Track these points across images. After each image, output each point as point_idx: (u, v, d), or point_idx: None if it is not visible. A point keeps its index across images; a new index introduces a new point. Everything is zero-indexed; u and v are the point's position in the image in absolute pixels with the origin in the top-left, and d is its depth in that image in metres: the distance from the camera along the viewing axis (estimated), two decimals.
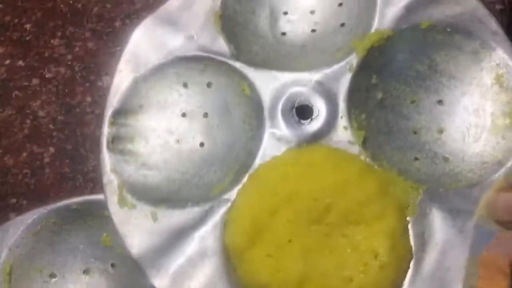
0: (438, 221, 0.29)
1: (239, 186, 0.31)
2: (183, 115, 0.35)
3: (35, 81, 0.39)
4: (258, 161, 0.31)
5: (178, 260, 0.30)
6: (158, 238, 0.31)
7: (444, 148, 0.32)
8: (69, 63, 0.40)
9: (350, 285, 0.27)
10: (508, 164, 0.29)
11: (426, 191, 0.29)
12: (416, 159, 0.31)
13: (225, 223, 0.30)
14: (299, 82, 0.32)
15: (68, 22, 0.40)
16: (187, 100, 0.35)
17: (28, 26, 0.40)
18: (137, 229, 0.31)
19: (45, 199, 0.35)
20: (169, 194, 0.33)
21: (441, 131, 0.32)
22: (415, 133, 0.32)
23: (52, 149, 0.38)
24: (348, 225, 0.28)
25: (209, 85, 0.35)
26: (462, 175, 0.30)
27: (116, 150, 0.34)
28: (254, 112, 0.33)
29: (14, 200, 0.36)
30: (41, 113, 0.39)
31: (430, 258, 0.28)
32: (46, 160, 0.38)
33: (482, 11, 0.31)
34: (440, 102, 0.32)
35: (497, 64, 0.31)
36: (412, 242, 0.29)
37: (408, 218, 0.29)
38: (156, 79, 0.35)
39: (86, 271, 0.33)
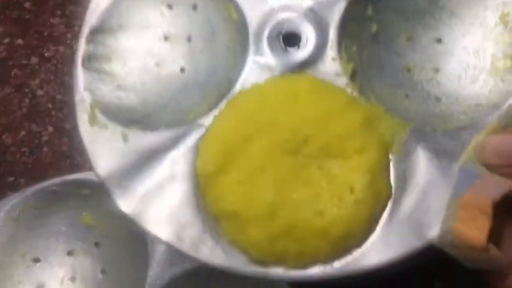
0: (422, 161, 0.27)
1: (216, 112, 0.29)
2: (165, 38, 0.33)
3: (34, 59, 0.39)
4: (239, 88, 0.30)
5: (146, 183, 0.29)
6: (127, 159, 0.29)
7: (438, 88, 0.30)
8: (68, 42, 0.40)
9: (322, 218, 0.26)
10: (504, 107, 0.27)
11: (413, 129, 0.27)
12: (406, 97, 0.29)
13: (198, 148, 0.28)
14: (289, 8, 0.30)
15: (68, 1, 0.40)
16: (170, 22, 0.33)
17: (27, 4, 0.39)
18: (106, 149, 0.30)
19: (43, 177, 0.34)
20: (142, 117, 0.31)
21: (436, 70, 0.30)
22: (408, 71, 0.30)
23: (50, 128, 0.38)
24: (326, 158, 0.27)
25: (194, 7, 0.32)
26: (453, 117, 0.28)
27: (92, 68, 0.32)
28: (239, 38, 0.31)
29: (12, 179, 0.36)
30: (40, 92, 0.39)
31: (410, 199, 0.26)
32: (45, 138, 0.37)
33: None
34: (438, 40, 0.30)
35: (503, 2, 0.29)
36: (392, 181, 0.27)
37: (391, 156, 0.27)
38: None
39: (70, 253, 0.33)
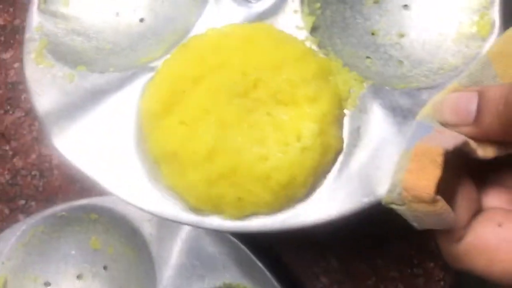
0: (377, 117, 0.25)
1: (168, 56, 0.28)
2: None
3: None
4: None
5: (86, 124, 0.27)
6: (69, 99, 0.28)
7: (400, 52, 0.28)
8: None
9: (265, 163, 0.24)
10: (465, 70, 0.26)
11: (371, 86, 0.26)
12: (368, 58, 0.28)
13: (144, 88, 0.27)
14: None
15: None
16: None
17: None
18: (49, 88, 0.28)
19: (54, 200, 0.35)
20: (92, 60, 0.29)
21: (401, 35, 0.29)
22: (372, 34, 0.29)
23: None
24: (275, 105, 0.25)
25: None
26: (414, 78, 0.27)
27: (48, 11, 0.31)
28: None
29: (23, 202, 0.37)
30: None
31: (362, 155, 0.25)
32: (55, 162, 0.37)
33: None
34: (405, 6, 0.29)
35: None
36: (345, 135, 0.26)
37: (346, 111, 0.26)
38: None
39: (79, 276, 0.33)
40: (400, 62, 0.28)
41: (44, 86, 0.28)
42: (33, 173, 0.37)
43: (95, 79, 0.28)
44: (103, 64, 0.29)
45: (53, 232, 0.33)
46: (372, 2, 0.29)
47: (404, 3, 0.29)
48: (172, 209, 0.25)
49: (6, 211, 0.36)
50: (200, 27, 0.29)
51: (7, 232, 0.33)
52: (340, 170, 0.25)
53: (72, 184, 0.37)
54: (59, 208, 0.33)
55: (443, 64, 0.27)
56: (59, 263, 0.33)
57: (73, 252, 0.33)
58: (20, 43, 0.32)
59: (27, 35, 0.30)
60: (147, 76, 0.28)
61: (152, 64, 0.28)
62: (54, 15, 0.31)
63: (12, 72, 0.37)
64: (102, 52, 0.30)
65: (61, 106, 0.28)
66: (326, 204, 0.24)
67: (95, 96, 0.28)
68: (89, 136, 0.27)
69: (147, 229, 0.31)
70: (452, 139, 0.22)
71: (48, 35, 0.30)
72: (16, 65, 0.39)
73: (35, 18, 0.30)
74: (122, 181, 0.26)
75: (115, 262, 0.33)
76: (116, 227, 0.32)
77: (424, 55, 0.28)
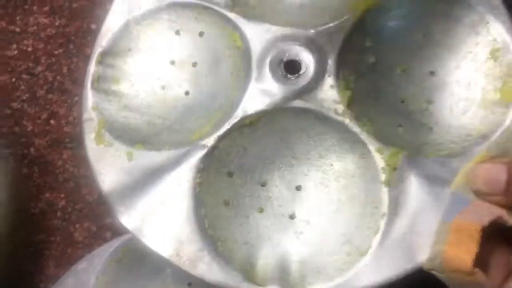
0: (414, 186, 0.28)
1: (219, 133, 0.30)
2: (172, 62, 0.34)
3: None
4: (240, 112, 0.31)
5: (148, 200, 0.30)
6: (130, 177, 0.31)
7: (430, 118, 0.31)
8: None
9: None
10: (492, 138, 0.28)
11: (405, 156, 0.29)
12: (400, 126, 0.31)
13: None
14: (291, 37, 0.32)
15: None
16: (177, 48, 0.34)
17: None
18: (111, 167, 0.31)
19: None
20: (147, 136, 0.32)
21: (429, 102, 0.31)
22: (402, 101, 0.31)
23: None
24: None
25: (201, 34, 0.34)
26: (444, 145, 0.30)
27: (100, 89, 0.33)
28: (243, 64, 0.32)
29: (110, 220, 0.37)
30: None
31: (402, 223, 0.28)
32: None
33: None
34: (432, 73, 0.32)
35: (494, 39, 0.30)
36: (386, 205, 0.28)
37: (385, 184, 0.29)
38: (148, 23, 0.34)
39: None
40: (430, 128, 0.30)
41: (106, 165, 0.31)
42: None
43: (152, 157, 0.31)
44: (157, 141, 0.32)
45: (144, 249, 0.32)
46: (400, 71, 0.32)
47: (431, 70, 0.32)
48: (233, 279, 0.28)
49: (94, 228, 0.38)
50: (243, 103, 0.31)
51: (101, 249, 0.35)
52: (383, 238, 0.27)
53: None
54: None
55: (471, 130, 0.30)
56: (148, 278, 0.34)
57: (165, 269, 0.33)
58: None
59: (85, 115, 0.33)
60: (201, 153, 0.30)
61: (203, 142, 0.30)
62: (106, 93, 0.33)
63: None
64: (154, 127, 0.33)
65: (123, 185, 0.30)
66: (372, 271, 0.27)
67: (154, 173, 0.30)
68: (151, 212, 0.29)
69: None
70: (487, 214, 0.25)
71: (103, 113, 0.33)
72: None
73: (89, 97, 0.33)
74: (183, 253, 0.29)
75: (200, 280, 0.30)
76: None
77: (452, 121, 0.30)
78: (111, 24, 0.34)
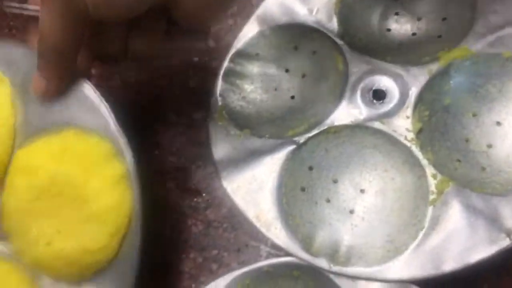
0: (455, 211, 0.34)
1: (309, 134, 0.39)
2: (287, 70, 0.43)
3: None
4: (329, 122, 0.39)
5: (245, 173, 0.39)
6: (236, 153, 0.40)
7: (486, 160, 0.37)
8: None
9: None
10: None
11: (454, 186, 0.35)
12: (458, 160, 0.37)
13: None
14: (384, 71, 0.39)
15: None
16: (293, 59, 0.43)
17: None
18: (223, 142, 0.41)
19: (243, 252, 0.37)
20: (254, 124, 0.41)
21: (490, 146, 0.37)
22: (466, 141, 0.37)
23: None
24: None
25: (314, 52, 0.42)
26: (490, 185, 0.35)
27: (228, 81, 0.43)
28: (341, 84, 0.40)
29: (215, 252, 0.39)
30: None
31: (437, 237, 0.34)
32: (244, 216, 0.38)
33: None
34: (498, 123, 0.37)
35: None
36: (427, 220, 0.35)
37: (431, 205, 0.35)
38: (275, 36, 0.43)
39: None
40: (483, 168, 0.36)
41: (220, 140, 0.41)
42: (224, 225, 0.40)
43: (254, 141, 0.40)
44: (261, 129, 0.41)
45: (257, 286, 0.35)
46: (471, 115, 0.38)
47: (498, 120, 0.37)
48: (294, 247, 0.36)
49: (199, 259, 0.39)
50: (333, 116, 0.39)
51: (215, 284, 0.36)
52: (418, 245, 0.34)
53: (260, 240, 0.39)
54: (266, 263, 0.35)
55: None
56: None
57: None
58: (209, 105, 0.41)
59: (213, 99, 0.43)
60: (292, 147, 0.39)
61: (295, 138, 0.39)
62: (232, 84, 0.43)
63: (203, 132, 0.41)
64: (261, 119, 0.42)
65: (230, 156, 0.40)
66: (404, 268, 0.34)
67: (253, 154, 0.40)
68: (245, 182, 0.39)
69: None
70: None
71: (226, 100, 0.42)
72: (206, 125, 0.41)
73: (219, 86, 0.43)
74: (262, 218, 0.38)
75: None
76: (317, 286, 0.34)
77: (504, 166, 0.36)
78: (247, 32, 0.44)
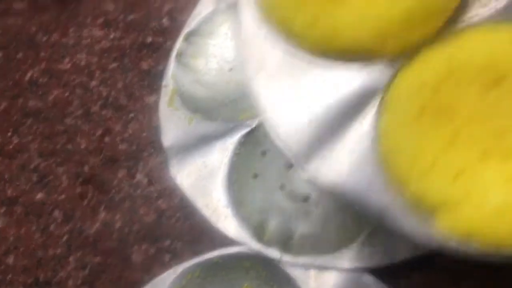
0: None
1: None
2: None
3: None
4: None
5: (196, 160, 0.37)
6: (187, 139, 0.38)
7: None
8: None
9: None
10: None
11: None
12: None
13: None
14: None
15: None
16: None
17: None
18: (174, 128, 0.39)
19: (199, 242, 0.36)
20: (207, 108, 0.39)
21: None
22: None
23: None
24: None
25: None
26: None
27: (181, 62, 0.41)
28: None
29: (168, 242, 0.37)
30: None
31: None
32: (198, 205, 0.37)
33: None
34: None
35: None
36: None
37: None
38: (230, 14, 0.41)
39: None
40: None
41: (171, 125, 0.39)
42: (177, 215, 0.37)
43: (206, 125, 0.38)
44: (213, 113, 0.39)
45: (208, 277, 0.34)
46: None
47: None
48: (245, 236, 0.35)
49: (152, 250, 0.37)
50: None
51: (165, 276, 0.35)
52: (372, 233, 0.33)
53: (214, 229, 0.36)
54: (215, 254, 0.34)
55: None
56: None
57: None
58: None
59: (164, 82, 0.41)
60: (244, 130, 0.37)
61: (249, 121, 0.37)
62: (185, 66, 0.41)
63: (155, 116, 0.39)
64: (215, 102, 0.40)
65: (181, 143, 0.38)
66: (356, 257, 0.33)
67: (205, 139, 0.38)
68: (197, 170, 0.37)
69: (304, 282, 0.32)
70: None
71: (178, 83, 0.40)
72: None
73: (171, 68, 0.41)
74: (211, 206, 0.36)
75: None
76: (269, 276, 0.33)
77: None
78: (201, 10, 0.42)
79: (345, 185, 0.25)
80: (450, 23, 0.25)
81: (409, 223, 0.23)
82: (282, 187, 0.36)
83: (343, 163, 0.25)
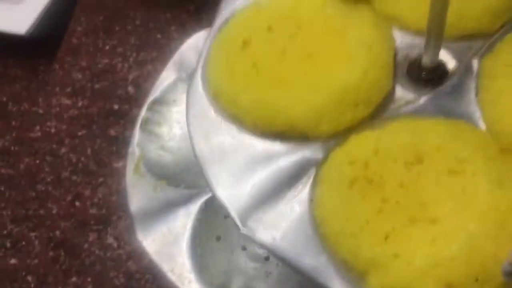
0: None
1: None
2: None
3: None
4: None
5: (161, 226, 0.39)
6: (152, 205, 0.40)
7: None
8: None
9: None
10: None
11: None
12: None
13: None
14: None
15: None
16: None
17: None
18: (140, 194, 0.41)
19: None
20: (171, 174, 0.41)
21: None
22: None
23: None
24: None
25: None
26: None
27: (146, 130, 0.43)
28: None
29: None
30: None
31: None
32: (166, 268, 0.37)
33: None
34: None
35: None
36: None
37: None
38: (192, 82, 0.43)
39: None
40: None
41: (137, 191, 0.41)
42: (146, 276, 0.39)
43: (170, 192, 0.40)
44: (177, 179, 0.41)
45: None
46: None
47: None
48: None
49: None
50: None
51: None
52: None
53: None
54: None
55: None
56: None
57: None
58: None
59: (130, 149, 0.43)
60: (206, 196, 0.39)
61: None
62: (150, 133, 0.43)
63: (123, 181, 0.40)
64: (178, 167, 0.42)
65: (146, 209, 0.40)
66: None
67: (169, 206, 0.40)
68: (163, 236, 0.39)
69: None
70: None
71: (144, 150, 0.42)
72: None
73: (136, 136, 0.43)
74: (176, 271, 0.37)
75: None
76: None
77: None
78: (164, 79, 0.44)
79: (280, 245, 0.27)
80: (378, 113, 0.28)
81: (342, 284, 0.25)
82: (244, 247, 0.38)
83: (278, 226, 0.27)
